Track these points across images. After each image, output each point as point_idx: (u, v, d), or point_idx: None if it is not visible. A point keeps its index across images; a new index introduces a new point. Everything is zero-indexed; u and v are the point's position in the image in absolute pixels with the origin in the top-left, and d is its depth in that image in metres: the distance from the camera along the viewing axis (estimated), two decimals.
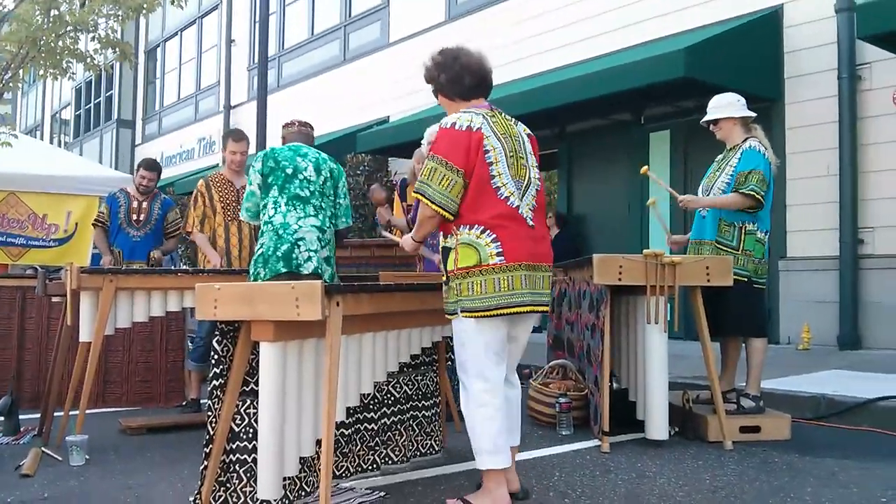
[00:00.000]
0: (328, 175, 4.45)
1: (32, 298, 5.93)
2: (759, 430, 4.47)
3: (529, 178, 3.30)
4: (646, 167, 5.06)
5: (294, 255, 4.18)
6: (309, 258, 4.22)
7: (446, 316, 3.26)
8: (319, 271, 4.25)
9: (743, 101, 4.76)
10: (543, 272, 3.27)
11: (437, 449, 4.17)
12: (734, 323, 4.62)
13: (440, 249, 3.28)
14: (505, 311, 3.11)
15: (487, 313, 3.10)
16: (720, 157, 4.83)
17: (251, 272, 4.26)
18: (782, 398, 5.10)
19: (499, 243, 3.12)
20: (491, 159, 3.17)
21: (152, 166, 6.60)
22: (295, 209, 4.27)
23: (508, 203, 3.18)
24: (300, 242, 4.22)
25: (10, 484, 3.70)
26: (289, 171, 4.32)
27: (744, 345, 4.71)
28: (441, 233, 3.28)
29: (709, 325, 4.51)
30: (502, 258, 3.11)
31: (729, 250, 4.54)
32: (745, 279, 4.54)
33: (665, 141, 9.35)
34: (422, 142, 5.49)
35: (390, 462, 3.90)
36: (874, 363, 6.39)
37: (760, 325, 4.73)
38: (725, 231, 4.59)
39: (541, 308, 3.24)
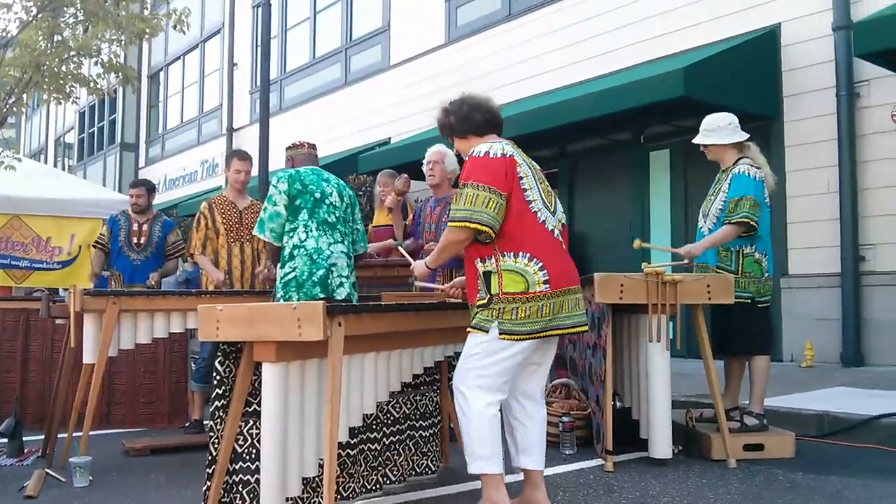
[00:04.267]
0: (348, 201, 4.50)
1: (36, 321, 5.95)
2: (762, 448, 4.46)
3: (555, 201, 3.44)
4: (638, 241, 4.85)
5: (329, 281, 4.20)
6: (341, 284, 4.26)
7: (469, 329, 3.29)
8: (351, 297, 4.28)
9: (735, 122, 4.73)
10: (579, 293, 3.39)
11: (433, 469, 4.17)
12: (739, 342, 4.62)
13: (481, 273, 3.28)
14: (544, 334, 3.22)
15: (528, 336, 3.20)
16: (716, 179, 4.84)
17: (281, 295, 4.21)
18: (786, 416, 5.09)
19: (545, 271, 3.22)
20: (525, 185, 3.28)
21: (137, 183, 6.64)
22: (325, 234, 4.28)
23: (546, 226, 3.30)
24: (333, 268, 4.24)
25: None
26: (317, 195, 4.32)
27: (747, 363, 4.71)
28: (478, 258, 3.30)
29: (714, 343, 4.52)
30: (548, 286, 3.21)
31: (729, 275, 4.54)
32: (748, 300, 4.55)
33: (665, 160, 9.38)
34: (423, 161, 5.51)
35: (388, 482, 3.90)
36: (877, 380, 6.38)
37: (764, 343, 4.71)
38: (724, 256, 4.62)
39: (582, 328, 3.36)
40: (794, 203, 7.97)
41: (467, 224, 3.20)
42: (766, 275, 4.63)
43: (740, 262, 4.58)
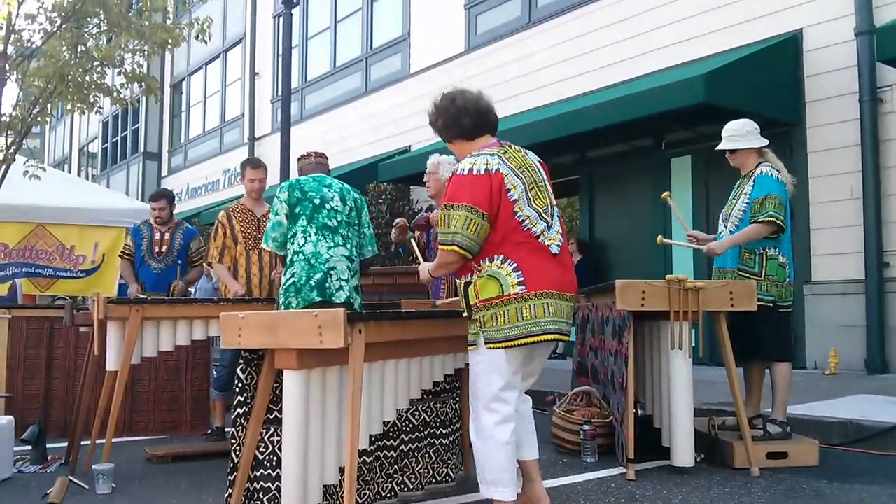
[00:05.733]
0: (353, 205, 4.53)
1: (60, 328, 6.00)
2: (786, 457, 4.42)
3: (550, 205, 3.33)
4: (659, 237, 5.02)
5: (327, 285, 4.24)
6: (340, 287, 4.28)
7: (468, 346, 3.27)
8: (351, 300, 4.30)
9: (757, 128, 4.76)
10: (567, 301, 3.27)
11: (452, 477, 4.16)
12: (760, 348, 4.59)
13: (461, 286, 3.28)
14: (529, 339, 3.13)
15: (511, 343, 3.12)
16: (737, 184, 4.82)
17: (282, 301, 4.29)
18: (810, 423, 5.04)
19: (520, 272, 3.14)
20: (514, 197, 3.19)
21: (158, 196, 6.65)
22: (325, 239, 4.33)
23: (532, 233, 3.21)
24: (332, 272, 4.28)
25: None
26: (316, 201, 4.39)
27: (769, 370, 4.67)
28: (462, 274, 3.28)
29: (735, 350, 4.48)
30: (523, 287, 3.13)
31: (751, 277, 4.51)
32: (771, 304, 4.51)
33: (686, 166, 9.34)
34: (426, 171, 5.52)
35: (405, 489, 3.89)
36: None
37: (786, 350, 4.68)
38: (747, 258, 4.58)
39: (563, 337, 3.25)
40: (818, 209, 7.90)
41: (451, 247, 3.17)
42: (789, 280, 4.60)
43: (763, 264, 4.54)
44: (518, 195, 3.20)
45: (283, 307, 4.25)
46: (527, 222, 3.20)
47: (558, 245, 3.28)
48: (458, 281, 3.31)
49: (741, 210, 4.63)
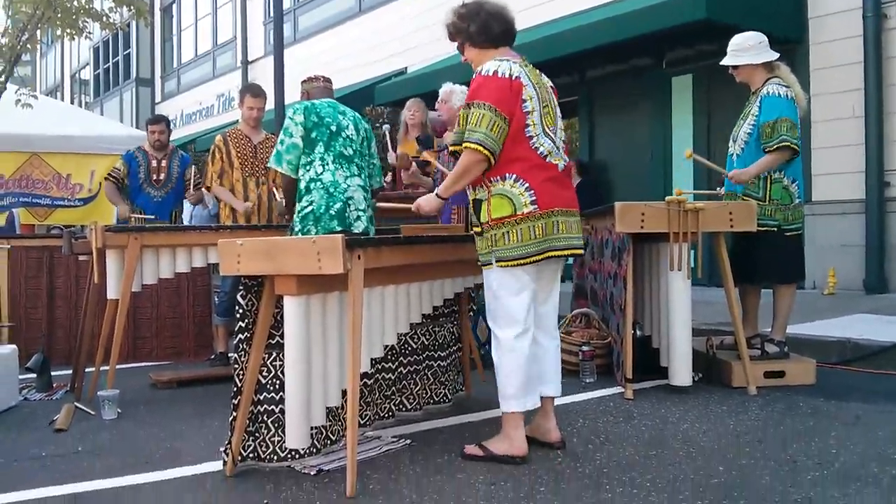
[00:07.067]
0: (365, 135, 4.46)
1: (60, 257, 6.00)
2: (783, 375, 4.47)
3: (557, 126, 3.35)
4: (688, 151, 4.96)
5: (346, 214, 4.20)
6: (358, 217, 4.25)
7: (480, 265, 3.30)
8: (368, 231, 4.27)
9: (765, 41, 4.59)
10: (575, 217, 3.33)
11: (449, 398, 4.24)
12: (763, 271, 4.57)
13: (470, 202, 3.28)
14: (540, 257, 3.17)
15: (523, 261, 3.16)
16: (747, 101, 4.71)
17: (298, 229, 4.21)
18: (808, 343, 5.09)
19: (532, 192, 3.16)
20: (528, 108, 3.20)
21: (157, 119, 6.59)
22: (342, 167, 4.25)
23: (539, 152, 3.21)
24: (350, 201, 4.23)
25: (45, 439, 3.79)
26: (333, 128, 4.27)
27: (773, 291, 4.66)
28: (470, 186, 3.27)
29: (739, 272, 4.47)
30: (536, 206, 3.16)
31: (757, 202, 4.46)
32: (775, 228, 4.47)
33: (687, 85, 9.21)
34: (438, 99, 5.41)
35: (404, 410, 3.98)
36: None
37: (791, 273, 4.63)
38: (751, 183, 4.51)
39: (577, 251, 3.31)
40: (819, 128, 7.82)
41: (476, 146, 3.12)
42: (797, 201, 4.53)
43: (768, 188, 4.48)
44: (532, 108, 3.20)
45: (300, 234, 4.18)
46: (535, 140, 3.20)
47: (564, 163, 3.30)
48: (468, 195, 3.30)
49: (747, 132, 4.53)
